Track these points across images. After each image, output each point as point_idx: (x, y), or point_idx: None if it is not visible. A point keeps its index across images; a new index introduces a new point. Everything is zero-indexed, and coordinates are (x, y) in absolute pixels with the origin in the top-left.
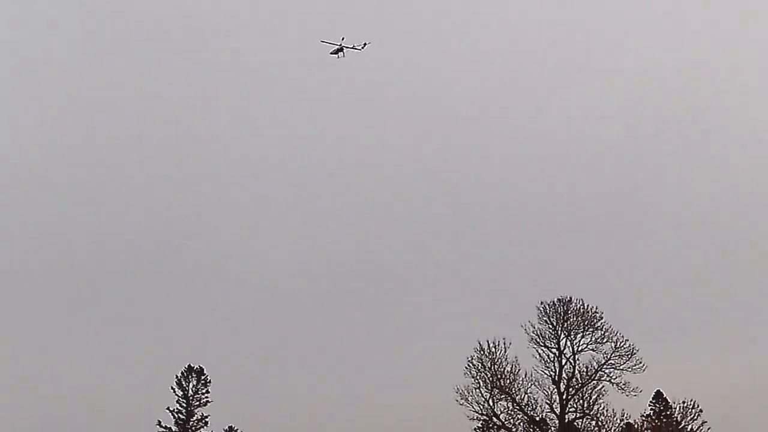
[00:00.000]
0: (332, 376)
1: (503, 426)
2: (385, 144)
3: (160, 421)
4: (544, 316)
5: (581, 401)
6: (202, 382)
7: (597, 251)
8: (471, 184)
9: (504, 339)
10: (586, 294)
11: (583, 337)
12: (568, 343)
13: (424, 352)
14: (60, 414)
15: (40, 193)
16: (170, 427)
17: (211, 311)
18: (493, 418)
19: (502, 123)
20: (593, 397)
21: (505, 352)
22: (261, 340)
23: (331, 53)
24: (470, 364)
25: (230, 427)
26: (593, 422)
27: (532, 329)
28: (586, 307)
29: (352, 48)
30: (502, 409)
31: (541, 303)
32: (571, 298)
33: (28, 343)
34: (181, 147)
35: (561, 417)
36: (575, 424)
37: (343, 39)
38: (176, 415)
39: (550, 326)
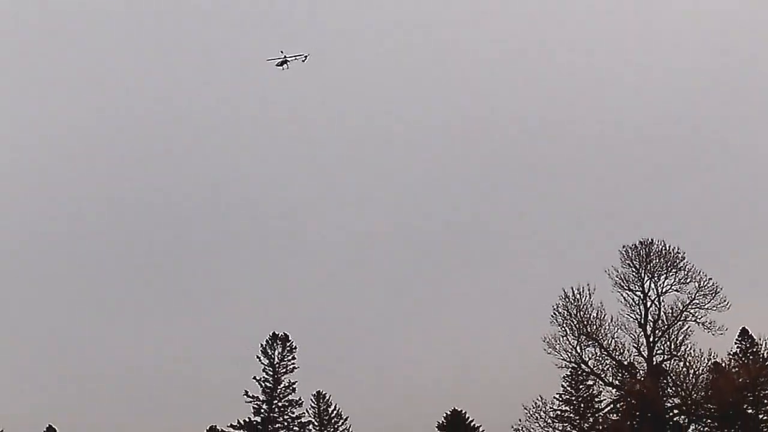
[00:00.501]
0: (418, 337)
1: (592, 372)
2: (472, 98)
3: (247, 391)
4: (626, 259)
5: (668, 343)
6: (288, 348)
7: (676, 192)
8: (551, 131)
9: (588, 285)
10: (666, 235)
11: (666, 278)
12: (652, 285)
13: (509, 304)
14: (149, 388)
15: (120, 161)
16: (258, 396)
17: (294, 276)
18: (582, 365)
19: (585, 64)
20: (680, 338)
21: (590, 298)
22: (346, 303)
23: (277, 65)
24: (556, 312)
25: (318, 392)
26: (681, 363)
27: (615, 273)
28: (668, 248)
29: (294, 59)
30: (590, 356)
31: (623, 247)
32: (652, 240)
33: (117, 317)
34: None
35: (649, 360)
36: (663, 365)
37: (282, 52)
38: (263, 384)
39: (634, 269)
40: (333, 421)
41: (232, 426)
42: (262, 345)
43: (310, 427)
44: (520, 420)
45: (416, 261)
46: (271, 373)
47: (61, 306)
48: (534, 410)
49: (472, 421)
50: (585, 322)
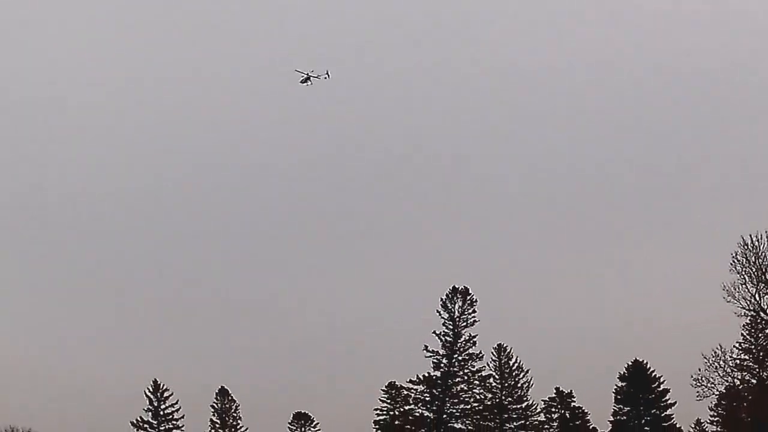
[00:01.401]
0: (599, 287)
1: None
2: (669, 41)
3: (426, 346)
4: None
5: None
6: (468, 302)
7: None
8: (742, 74)
9: (766, 232)
10: None
11: None
12: None
13: (689, 253)
14: (325, 347)
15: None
16: (437, 351)
17: (474, 228)
18: (761, 312)
19: None
20: None
21: None
22: (525, 254)
23: (301, 82)
24: (735, 260)
25: (499, 345)
26: None
27: None
28: None
29: (317, 77)
30: None
31: None
32: None
33: (292, 278)
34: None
35: None
36: None
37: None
38: (443, 338)
39: None
40: (514, 374)
41: (411, 381)
42: (441, 299)
43: (491, 380)
44: (699, 369)
45: (597, 210)
46: (451, 327)
47: (241, 269)
48: (713, 359)
49: (653, 371)
50: (764, 270)
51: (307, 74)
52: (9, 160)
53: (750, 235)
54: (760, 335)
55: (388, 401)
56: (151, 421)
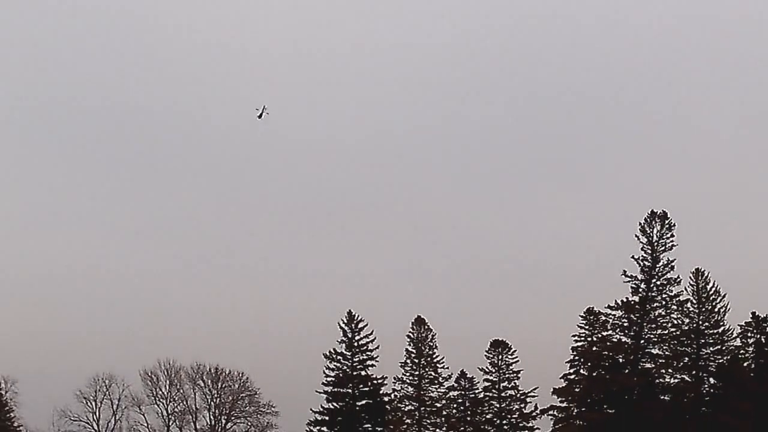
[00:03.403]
0: None
1: None
2: None
3: (625, 271)
4: None
5: None
6: (666, 226)
7: None
8: None
9: None
10: None
11: None
12: None
13: None
14: (521, 271)
15: None
16: (636, 276)
17: (672, 154)
18: None
19: None
20: None
21: None
22: (723, 177)
23: (258, 117)
24: None
25: (697, 270)
26: None
27: None
28: None
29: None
30: None
31: None
32: None
33: (496, 203)
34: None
35: None
36: None
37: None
38: (641, 263)
39: None
40: (711, 298)
41: (609, 307)
42: (640, 223)
43: (688, 305)
44: None
45: None
46: (649, 252)
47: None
48: None
49: None
50: None
51: (260, 111)
52: None
53: None
54: None
55: (586, 327)
56: (344, 352)
